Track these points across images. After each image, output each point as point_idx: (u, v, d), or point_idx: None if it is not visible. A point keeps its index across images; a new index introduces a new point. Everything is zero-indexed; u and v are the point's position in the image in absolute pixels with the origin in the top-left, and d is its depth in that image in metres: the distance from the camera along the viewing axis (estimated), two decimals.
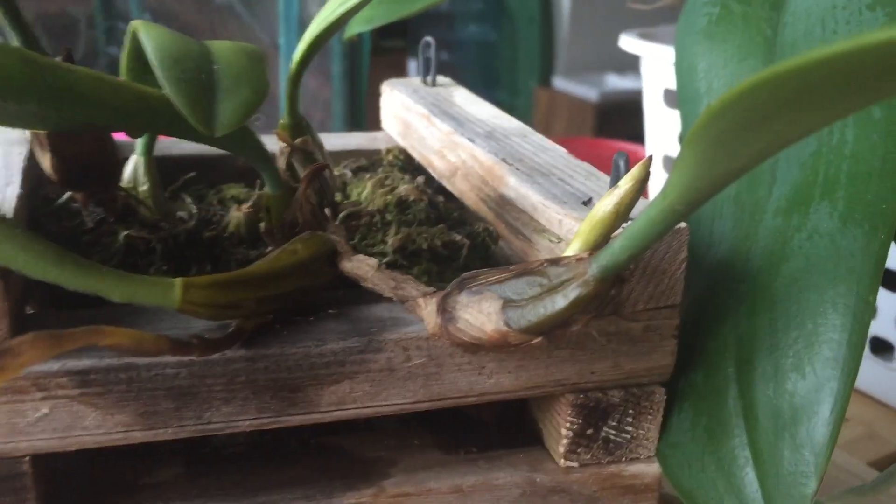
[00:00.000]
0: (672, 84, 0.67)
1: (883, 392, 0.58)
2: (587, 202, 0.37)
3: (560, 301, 0.28)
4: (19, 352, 0.23)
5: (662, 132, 0.69)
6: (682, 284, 0.35)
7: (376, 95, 0.58)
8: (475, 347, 0.30)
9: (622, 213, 0.31)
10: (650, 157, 0.30)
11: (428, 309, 0.32)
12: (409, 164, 0.53)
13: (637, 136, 1.14)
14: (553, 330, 0.29)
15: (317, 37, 0.36)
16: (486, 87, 2.45)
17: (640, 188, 0.30)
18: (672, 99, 0.68)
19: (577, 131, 2.18)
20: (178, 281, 0.30)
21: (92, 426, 0.30)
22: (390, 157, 0.54)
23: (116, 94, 0.31)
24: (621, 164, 0.33)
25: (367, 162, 0.54)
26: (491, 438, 0.38)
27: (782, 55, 0.43)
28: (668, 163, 0.70)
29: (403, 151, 0.55)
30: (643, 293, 0.35)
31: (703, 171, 0.23)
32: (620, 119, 2.07)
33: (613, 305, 0.34)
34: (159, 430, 0.31)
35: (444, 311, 0.31)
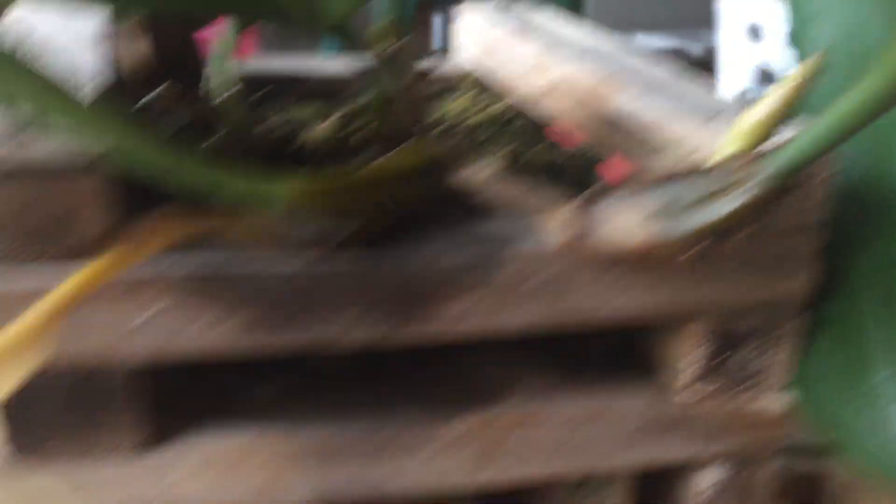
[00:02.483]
0: (754, 19, 0.63)
1: None
2: (715, 118, 0.34)
3: (725, 206, 0.25)
4: (152, 232, 0.20)
5: (738, 67, 0.66)
6: (828, 203, 0.32)
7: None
8: (613, 262, 0.28)
9: (786, 113, 0.28)
10: (826, 50, 0.27)
11: (559, 219, 0.29)
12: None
13: None
14: (709, 242, 0.26)
15: None
16: None
17: (810, 85, 0.27)
18: (753, 34, 0.64)
19: None
20: (295, 179, 0.27)
21: (197, 335, 0.28)
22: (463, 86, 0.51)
23: None
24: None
25: (444, 87, 0.50)
26: (605, 369, 0.36)
27: None
28: (743, 97, 0.66)
29: (475, 82, 0.51)
30: (786, 211, 0.32)
31: None
32: None
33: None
34: (267, 340, 0.28)
35: (581, 221, 0.28)
